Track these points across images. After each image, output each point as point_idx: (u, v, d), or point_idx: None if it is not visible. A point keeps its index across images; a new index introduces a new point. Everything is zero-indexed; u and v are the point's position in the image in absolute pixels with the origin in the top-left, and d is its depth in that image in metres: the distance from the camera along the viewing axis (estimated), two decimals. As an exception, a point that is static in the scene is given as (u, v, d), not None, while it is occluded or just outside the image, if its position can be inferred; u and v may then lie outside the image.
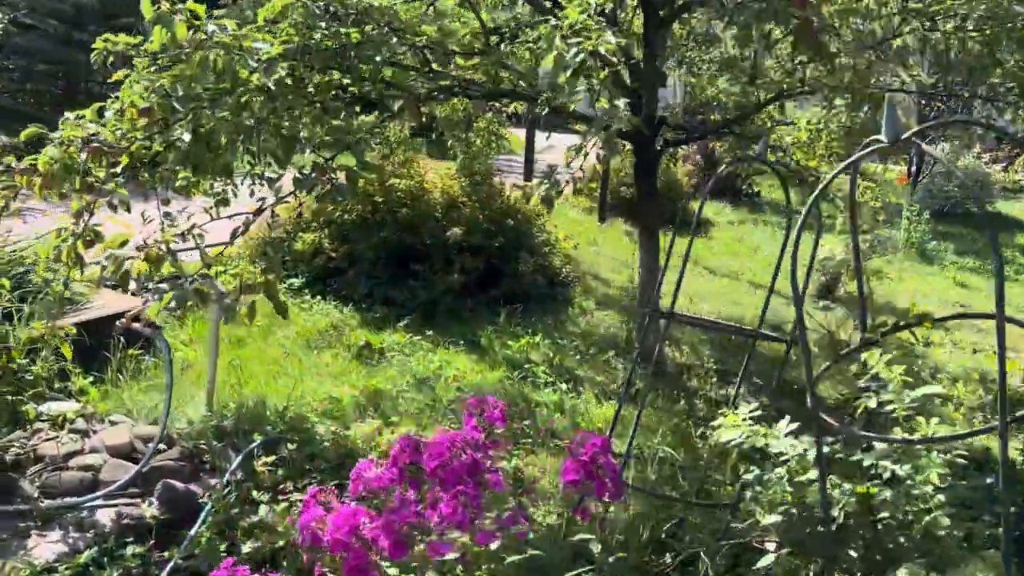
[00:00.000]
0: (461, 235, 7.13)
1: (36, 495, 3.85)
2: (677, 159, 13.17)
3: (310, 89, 3.73)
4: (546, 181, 3.63)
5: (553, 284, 7.95)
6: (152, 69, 4.52)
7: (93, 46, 4.71)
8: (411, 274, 7.35)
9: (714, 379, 6.05)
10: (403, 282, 7.29)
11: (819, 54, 3.56)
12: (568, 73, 3.48)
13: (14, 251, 5.32)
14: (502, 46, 4.98)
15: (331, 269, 7.51)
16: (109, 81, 4.62)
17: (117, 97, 3.92)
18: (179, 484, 4.01)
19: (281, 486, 4.21)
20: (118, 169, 3.60)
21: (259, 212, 3.73)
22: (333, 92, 3.91)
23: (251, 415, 4.74)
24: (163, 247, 3.41)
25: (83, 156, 3.47)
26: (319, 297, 7.22)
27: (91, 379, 5.03)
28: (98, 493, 3.90)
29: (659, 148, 5.91)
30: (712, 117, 5.86)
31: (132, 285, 6.69)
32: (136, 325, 4.19)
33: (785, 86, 5.21)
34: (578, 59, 3.42)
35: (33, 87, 16.02)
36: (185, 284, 3.35)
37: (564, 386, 5.60)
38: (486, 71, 4.59)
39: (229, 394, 5.02)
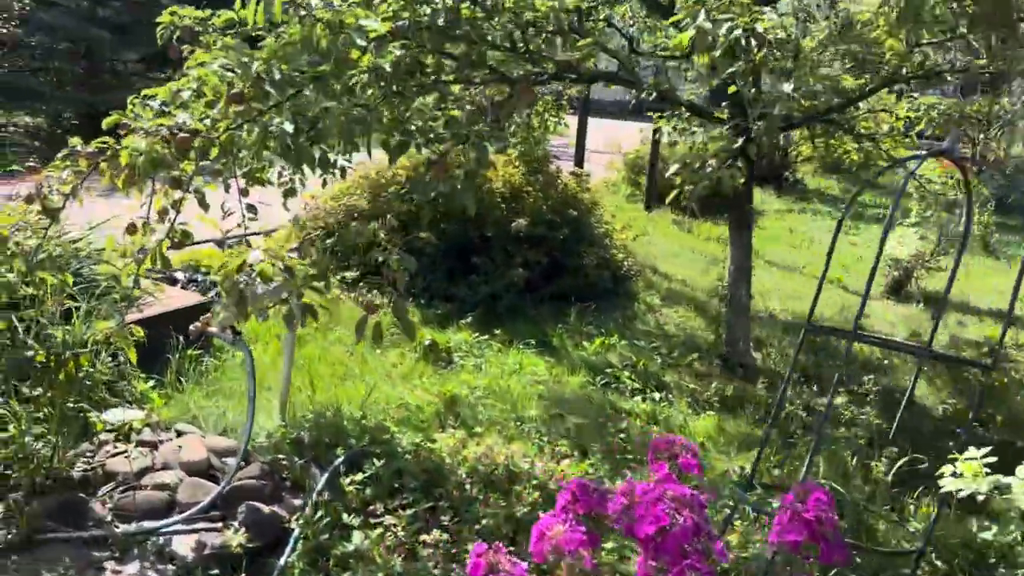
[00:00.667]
0: (526, 226, 6.72)
1: (110, 518, 3.50)
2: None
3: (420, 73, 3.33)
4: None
5: (616, 279, 7.55)
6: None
7: (159, 20, 4.33)
8: (471, 268, 6.96)
9: (814, 387, 5.64)
10: (463, 277, 6.91)
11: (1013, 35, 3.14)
12: (717, 52, 3.08)
13: (73, 241, 4.94)
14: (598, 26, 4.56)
15: (387, 262, 7.11)
16: (172, 59, 4.25)
17: (186, 75, 3.56)
18: (263, 506, 3.66)
19: (371, 507, 3.84)
20: (208, 161, 3.21)
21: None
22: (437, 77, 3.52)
23: (329, 426, 4.37)
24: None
25: (171, 148, 3.08)
26: (376, 291, 6.84)
27: (151, 383, 4.67)
28: (177, 517, 3.54)
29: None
30: (811, 103, 5.41)
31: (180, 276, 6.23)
32: (212, 329, 3.81)
33: (906, 70, 4.78)
34: (733, 35, 3.01)
35: (56, 65, 15.56)
36: (291, 297, 2.98)
37: (655, 394, 5.21)
38: (586, 55, 4.17)
39: (302, 401, 4.66)
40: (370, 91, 3.12)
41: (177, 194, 3.18)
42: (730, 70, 3.19)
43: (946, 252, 8.33)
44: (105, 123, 3.35)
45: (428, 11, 3.30)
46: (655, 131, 12.98)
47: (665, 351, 6.01)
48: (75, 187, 3.29)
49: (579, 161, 11.53)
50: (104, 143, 3.24)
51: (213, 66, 3.57)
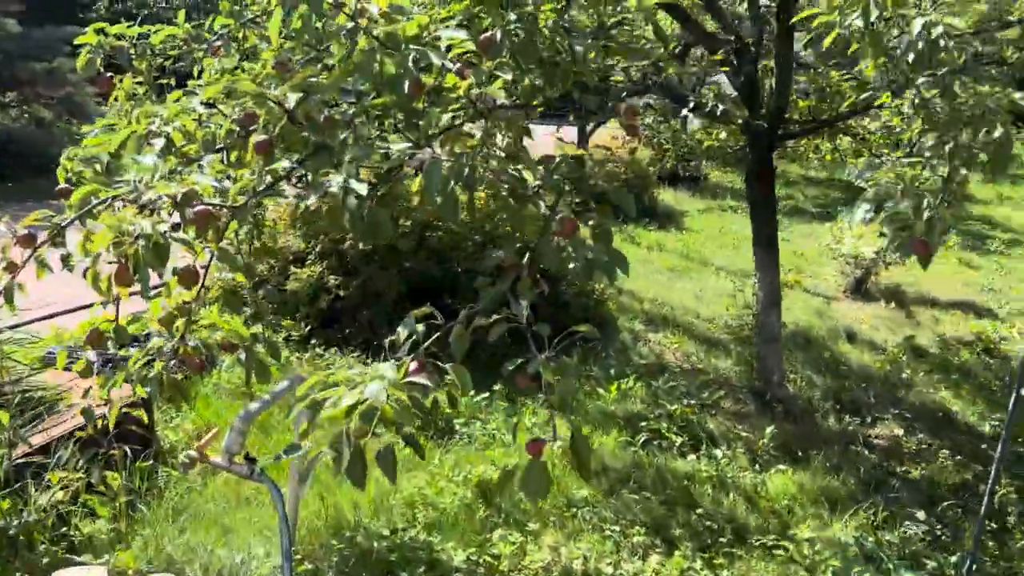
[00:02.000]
0: (505, 258, 5.87)
1: None
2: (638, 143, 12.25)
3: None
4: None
5: (593, 306, 6.83)
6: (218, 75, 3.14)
7: (81, 39, 3.23)
8: (441, 310, 6.03)
9: (857, 417, 5.12)
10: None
11: None
12: (908, 57, 2.39)
13: None
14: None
15: (339, 311, 6.10)
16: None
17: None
18: None
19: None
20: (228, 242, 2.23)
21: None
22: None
23: (353, 553, 3.41)
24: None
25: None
26: (333, 348, 5.82)
27: (100, 521, 3.52)
28: None
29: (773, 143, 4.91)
30: (827, 105, 4.90)
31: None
32: (216, 459, 2.78)
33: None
34: (933, 34, 2.33)
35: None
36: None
37: (707, 448, 4.52)
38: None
39: (305, 517, 3.66)
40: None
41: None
42: (920, 80, 2.50)
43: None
44: (60, 191, 2.29)
45: (512, 16, 2.43)
46: (581, 132, 12.40)
47: (684, 388, 5.34)
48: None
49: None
50: (50, 220, 2.20)
51: (194, 103, 2.59)
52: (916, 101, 2.66)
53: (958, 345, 6.72)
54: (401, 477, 4.22)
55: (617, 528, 3.80)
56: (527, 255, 2.55)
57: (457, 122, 2.28)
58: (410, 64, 2.26)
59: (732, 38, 4.64)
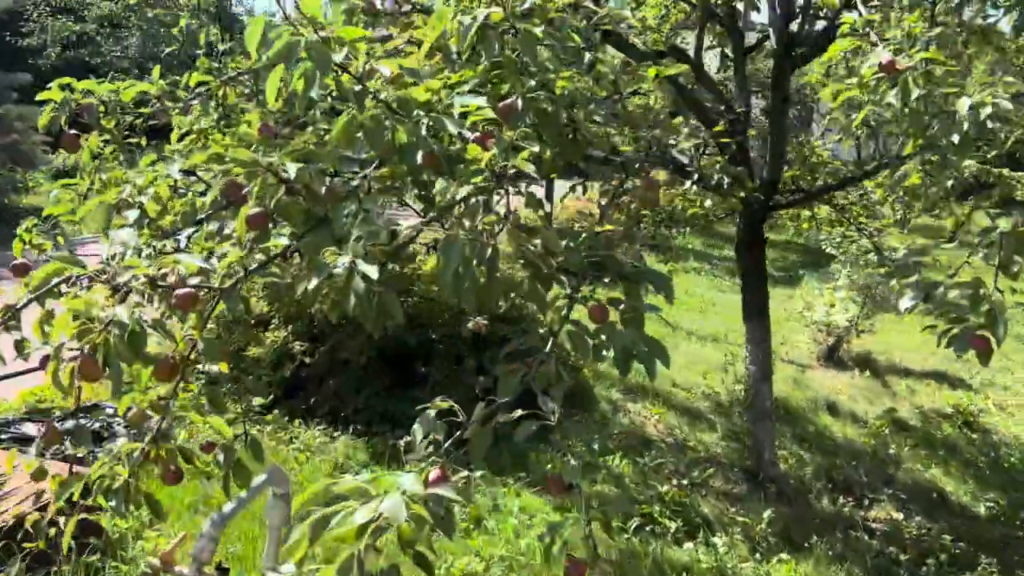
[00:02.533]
0: (484, 325, 5.63)
1: None
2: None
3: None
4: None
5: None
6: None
7: (43, 96, 2.95)
8: (413, 379, 5.75)
9: (859, 500, 4.92)
10: (405, 391, 5.68)
11: None
12: (954, 139, 2.25)
13: None
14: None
15: (304, 379, 5.75)
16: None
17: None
18: None
19: None
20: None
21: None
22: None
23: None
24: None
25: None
26: (298, 421, 5.45)
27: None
28: None
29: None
30: (812, 176, 4.83)
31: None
32: (183, 570, 2.43)
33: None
34: (982, 115, 2.20)
35: None
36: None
37: (704, 536, 4.26)
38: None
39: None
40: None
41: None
42: (966, 163, 2.36)
43: (871, 315, 8.10)
44: (15, 267, 1.99)
45: (532, 83, 2.23)
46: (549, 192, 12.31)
47: (672, 465, 5.10)
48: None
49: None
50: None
51: (172, 169, 2.33)
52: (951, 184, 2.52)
53: (938, 418, 6.63)
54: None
55: (617, 630, 3.50)
56: (550, 341, 2.33)
57: (476, 196, 2.04)
58: (423, 132, 2.03)
59: (723, 108, 4.55)
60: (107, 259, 1.91)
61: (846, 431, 6.16)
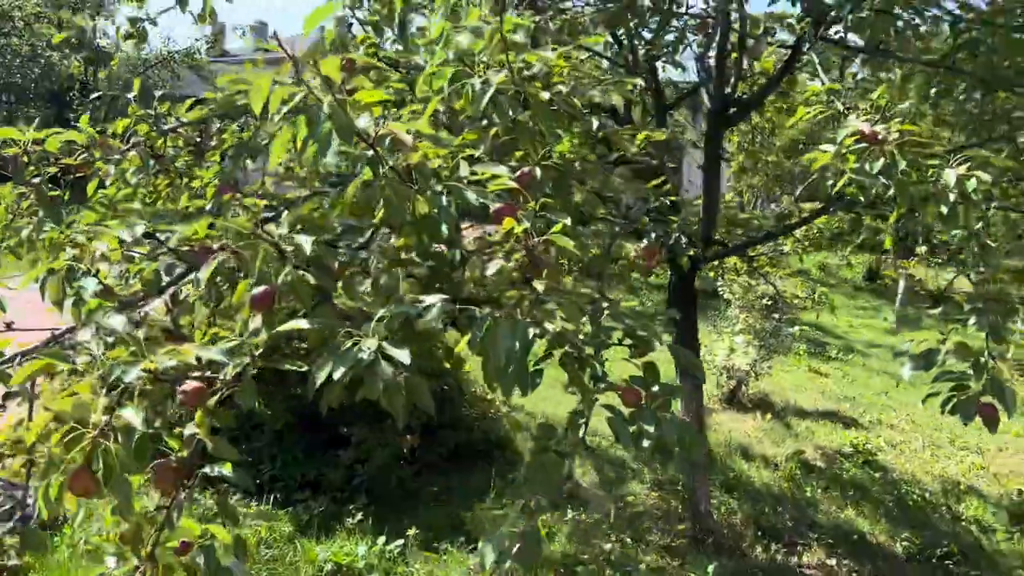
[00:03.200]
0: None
1: None
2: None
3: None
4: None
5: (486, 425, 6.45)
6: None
7: None
8: (334, 440, 5.46)
9: (789, 546, 5.00)
10: (325, 453, 5.38)
11: None
12: (943, 209, 2.33)
13: None
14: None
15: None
16: None
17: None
18: None
19: None
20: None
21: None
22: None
23: None
24: None
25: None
26: (209, 489, 5.02)
27: None
28: None
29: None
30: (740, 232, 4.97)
31: None
32: None
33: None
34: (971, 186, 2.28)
35: None
36: None
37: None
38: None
39: None
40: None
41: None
42: (954, 232, 2.44)
43: (769, 358, 8.42)
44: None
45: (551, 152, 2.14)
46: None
47: (608, 522, 5.03)
48: None
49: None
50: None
51: (137, 231, 2.11)
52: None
53: (840, 458, 6.91)
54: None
55: None
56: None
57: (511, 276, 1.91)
58: (444, 203, 1.89)
59: (654, 163, 4.61)
60: (94, 351, 1.64)
61: (762, 475, 6.31)
